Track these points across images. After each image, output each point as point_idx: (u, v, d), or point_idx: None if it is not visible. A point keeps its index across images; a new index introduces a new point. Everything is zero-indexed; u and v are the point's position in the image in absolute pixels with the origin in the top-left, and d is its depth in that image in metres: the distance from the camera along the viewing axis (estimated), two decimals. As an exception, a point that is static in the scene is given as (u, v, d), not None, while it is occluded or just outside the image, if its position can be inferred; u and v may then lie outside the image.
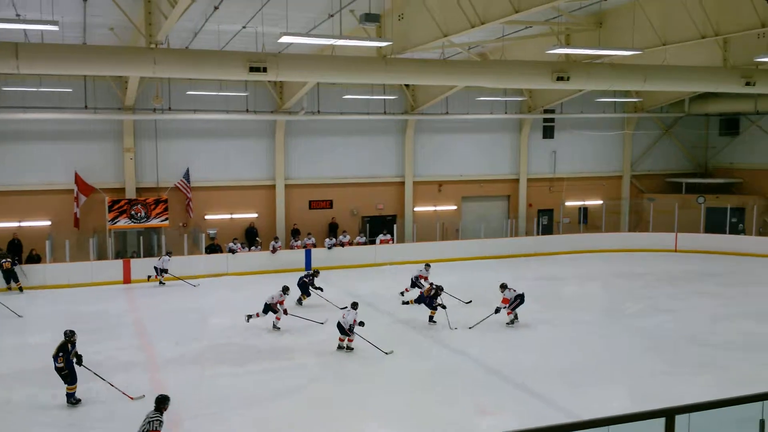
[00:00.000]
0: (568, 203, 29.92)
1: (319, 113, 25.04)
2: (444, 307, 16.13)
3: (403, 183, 27.46)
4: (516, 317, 16.06)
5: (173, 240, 22.90)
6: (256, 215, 25.39)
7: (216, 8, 14.01)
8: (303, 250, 23.93)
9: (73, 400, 11.28)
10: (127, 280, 21.54)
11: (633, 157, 31.21)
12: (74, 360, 11.35)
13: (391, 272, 23.35)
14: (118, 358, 13.68)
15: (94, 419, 10.81)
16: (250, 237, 24.79)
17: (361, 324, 14.17)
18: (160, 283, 21.18)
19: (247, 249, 24.11)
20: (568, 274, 23.18)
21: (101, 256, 22.68)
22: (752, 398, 5.84)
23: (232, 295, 20.09)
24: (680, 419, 5.29)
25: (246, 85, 23.57)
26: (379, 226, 26.41)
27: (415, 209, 27.69)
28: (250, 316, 16.22)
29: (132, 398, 11.29)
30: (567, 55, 17.27)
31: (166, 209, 23.07)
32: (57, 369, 11.21)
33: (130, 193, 23.17)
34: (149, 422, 8.53)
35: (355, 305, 14.52)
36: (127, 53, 14.57)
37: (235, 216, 25.10)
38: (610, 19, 16.95)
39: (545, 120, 29.32)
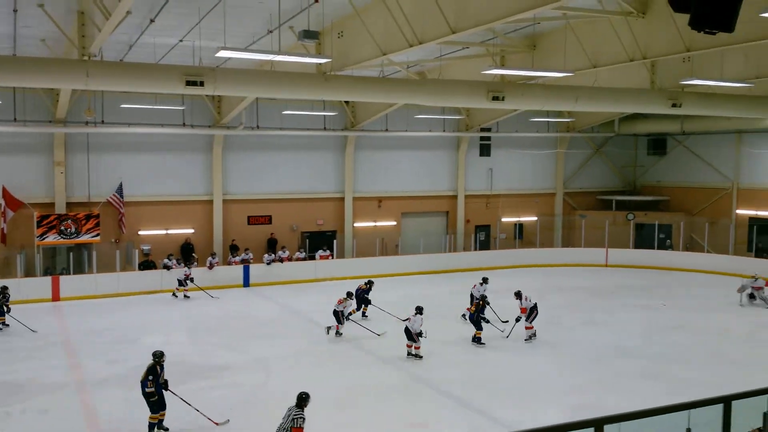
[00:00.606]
0: (504, 219, 30.57)
1: (259, 128, 24.87)
2: (487, 321, 16.08)
3: (343, 199, 27.51)
4: (534, 333, 16.18)
5: (105, 256, 22.27)
6: (192, 231, 24.94)
7: (152, 21, 13.79)
8: (241, 266, 23.63)
9: (157, 430, 10.52)
10: (56, 297, 20.78)
11: (565, 175, 32.18)
12: (162, 385, 10.59)
13: (330, 288, 23.29)
14: (45, 378, 13.20)
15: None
16: (186, 253, 24.31)
17: (420, 334, 14.37)
18: (184, 296, 21.32)
19: (182, 265, 23.61)
20: (505, 288, 23.53)
21: (29, 272, 21.84)
22: (680, 407, 6.10)
23: (166, 312, 19.66)
24: (610, 429, 5.48)
25: (183, 98, 23.22)
26: (318, 242, 26.33)
27: (355, 225, 27.76)
28: (329, 328, 16.57)
29: (217, 423, 10.86)
30: (502, 75, 17.75)
31: (97, 224, 22.41)
32: (146, 395, 10.39)
33: (60, 208, 22.41)
34: (293, 419, 8.46)
35: (420, 310, 14.73)
36: (59, 65, 14.16)
37: (170, 231, 24.59)
38: (543, 41, 17.51)
39: (482, 138, 29.91)
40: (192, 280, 21.40)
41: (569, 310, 19.89)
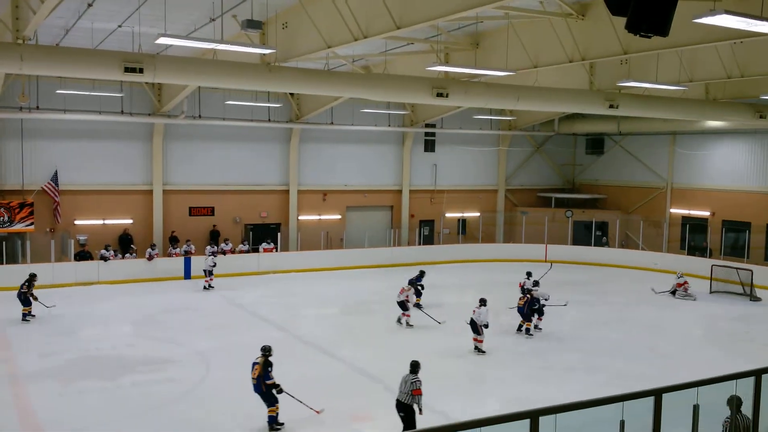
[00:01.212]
0: (448, 215, 30.94)
1: (201, 118, 24.45)
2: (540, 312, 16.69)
3: (287, 191, 27.33)
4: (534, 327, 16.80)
5: (40, 246, 21.61)
6: (131, 221, 24.38)
7: (90, 5, 13.39)
8: (182, 258, 23.24)
9: (276, 425, 10.48)
10: (-14, 289, 20.03)
11: (507, 173, 32.79)
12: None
13: (274, 281, 23.18)
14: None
15: None
16: (125, 244, 23.76)
17: (486, 326, 14.69)
18: (209, 286, 21.38)
19: (120, 256, 23.09)
20: (448, 282, 23.94)
21: (-43, 263, 21.00)
22: (613, 399, 6.30)
23: (104, 304, 19.19)
24: (546, 420, 5.63)
25: (121, 85, 22.64)
26: (262, 234, 26.11)
27: (300, 218, 27.64)
28: (400, 319, 16.79)
29: (318, 412, 10.97)
30: (446, 72, 17.91)
31: (31, 213, 21.68)
32: (268, 387, 10.35)
33: (-8, 196, 21.61)
34: (412, 383, 9.77)
35: (484, 301, 14.93)
36: (-9, 47, 13.60)
37: (108, 222, 23.97)
38: (486, 40, 17.76)
39: (426, 134, 30.25)
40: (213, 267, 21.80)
41: (506, 304, 20.27)
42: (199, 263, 23.13)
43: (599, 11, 14.39)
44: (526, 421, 5.55)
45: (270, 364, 10.48)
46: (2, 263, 21.05)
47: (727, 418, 7.17)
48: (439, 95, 16.18)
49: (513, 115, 30.43)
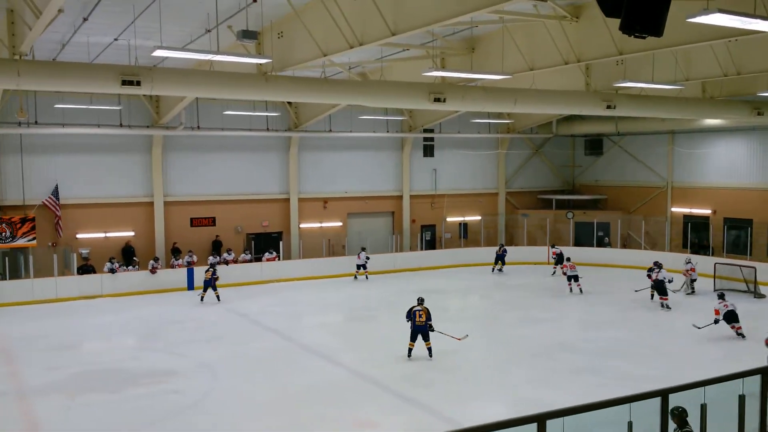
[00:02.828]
0: (449, 219, 30.94)
1: (199, 129, 24.50)
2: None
3: (288, 200, 27.36)
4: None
5: (42, 260, 21.59)
6: (132, 233, 24.41)
7: (85, 20, 13.46)
8: (185, 269, 23.26)
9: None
10: (-11, 304, 20.07)
11: (507, 175, 32.80)
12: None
13: (277, 289, 23.19)
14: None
15: None
16: (127, 256, 23.79)
17: (670, 281, 19.85)
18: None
19: (124, 269, 23.12)
20: (451, 287, 23.94)
21: (-40, 279, 21.04)
22: (620, 401, 6.30)
23: (107, 317, 19.21)
24: (553, 423, 5.62)
25: (119, 98, 22.71)
26: (264, 244, 26.13)
27: (301, 226, 27.65)
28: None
29: (459, 339, 14.75)
30: (443, 77, 17.95)
31: (33, 228, 21.71)
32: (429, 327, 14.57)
33: (-7, 212, 21.65)
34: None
35: (659, 264, 18.85)
36: (-12, 64, 13.66)
37: (109, 234, 24.01)
38: (482, 44, 17.79)
39: (425, 139, 30.28)
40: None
41: (510, 307, 20.31)
42: (201, 274, 23.15)
43: (593, 13, 14.43)
44: (533, 425, 5.56)
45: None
46: (6, 278, 21.08)
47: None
48: (437, 100, 16.20)
49: (511, 118, 30.45)
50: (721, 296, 16.77)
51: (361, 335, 17.02)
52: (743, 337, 16.03)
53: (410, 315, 14.66)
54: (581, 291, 21.52)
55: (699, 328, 16.44)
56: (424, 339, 14.62)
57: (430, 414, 11.51)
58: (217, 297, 20.96)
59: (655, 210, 30.24)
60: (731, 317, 16.21)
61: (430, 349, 14.70)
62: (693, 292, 21.71)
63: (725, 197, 27.59)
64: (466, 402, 12.04)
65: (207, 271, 21.20)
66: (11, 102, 20.97)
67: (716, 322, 16.20)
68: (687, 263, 22.02)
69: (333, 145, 28.06)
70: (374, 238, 28.36)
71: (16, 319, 18.78)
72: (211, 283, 20.90)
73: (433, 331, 14.76)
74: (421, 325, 14.47)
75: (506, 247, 26.72)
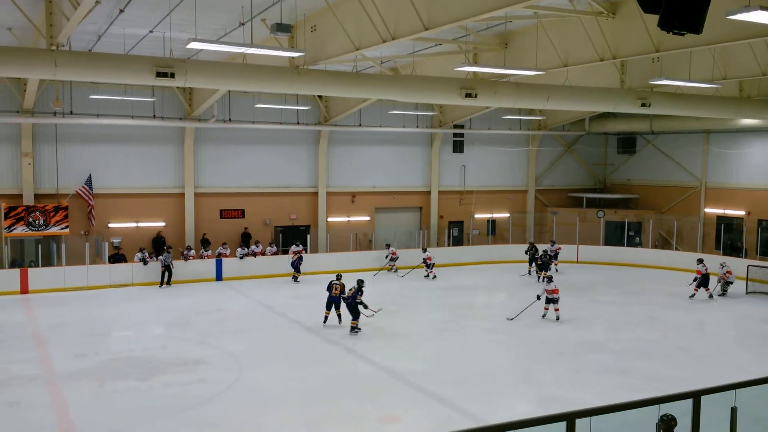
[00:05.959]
0: (477, 215, 30.79)
1: (231, 121, 24.72)
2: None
3: (316, 193, 27.46)
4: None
5: (74, 249, 21.98)
6: (163, 224, 24.72)
7: (121, 11, 13.64)
8: (214, 260, 23.49)
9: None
10: (24, 290, 20.50)
11: (537, 173, 32.50)
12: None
13: (303, 282, 23.30)
14: (14, 371, 13.06)
15: None
16: (158, 246, 24.09)
17: None
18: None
19: (155, 258, 23.42)
20: (478, 284, 23.82)
21: (-5, 264, 21.50)
22: (650, 402, 6.22)
23: (137, 305, 19.50)
24: (582, 422, 5.57)
25: (153, 90, 22.99)
26: (292, 236, 26.26)
27: (329, 219, 27.73)
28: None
29: (374, 312, 15.82)
30: (475, 72, 17.83)
31: (66, 217, 22.11)
32: (358, 303, 15.97)
33: (28, 200, 22.06)
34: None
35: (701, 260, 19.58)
36: (27, 54, 13.87)
37: (141, 224, 24.35)
38: (515, 40, 17.64)
39: (455, 135, 30.12)
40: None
41: (537, 305, 20.08)
42: (230, 265, 23.40)
43: (630, 9, 14.22)
44: (562, 424, 5.50)
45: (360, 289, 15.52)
46: (39, 266, 21.51)
47: None
48: (468, 96, 16.10)
49: (542, 114, 30.17)
50: (700, 261, 20.83)
51: (385, 330, 16.97)
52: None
53: (329, 287, 16.77)
54: (557, 318, 17.88)
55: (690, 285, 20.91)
56: (353, 317, 16.01)
57: (452, 409, 11.45)
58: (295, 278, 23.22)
59: (687, 210, 29.74)
60: (705, 281, 20.51)
61: (353, 328, 16.03)
62: (724, 293, 21.33)
63: (760, 198, 27.02)
64: (490, 399, 11.96)
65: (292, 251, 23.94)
66: (47, 92, 21.34)
67: (695, 280, 20.62)
68: (723, 266, 21.61)
69: (362, 139, 28.07)
70: (401, 233, 28.32)
71: (48, 306, 19.14)
72: (296, 264, 23.30)
73: (366, 307, 16.23)
74: (335, 297, 16.58)
75: (536, 246, 26.28)
